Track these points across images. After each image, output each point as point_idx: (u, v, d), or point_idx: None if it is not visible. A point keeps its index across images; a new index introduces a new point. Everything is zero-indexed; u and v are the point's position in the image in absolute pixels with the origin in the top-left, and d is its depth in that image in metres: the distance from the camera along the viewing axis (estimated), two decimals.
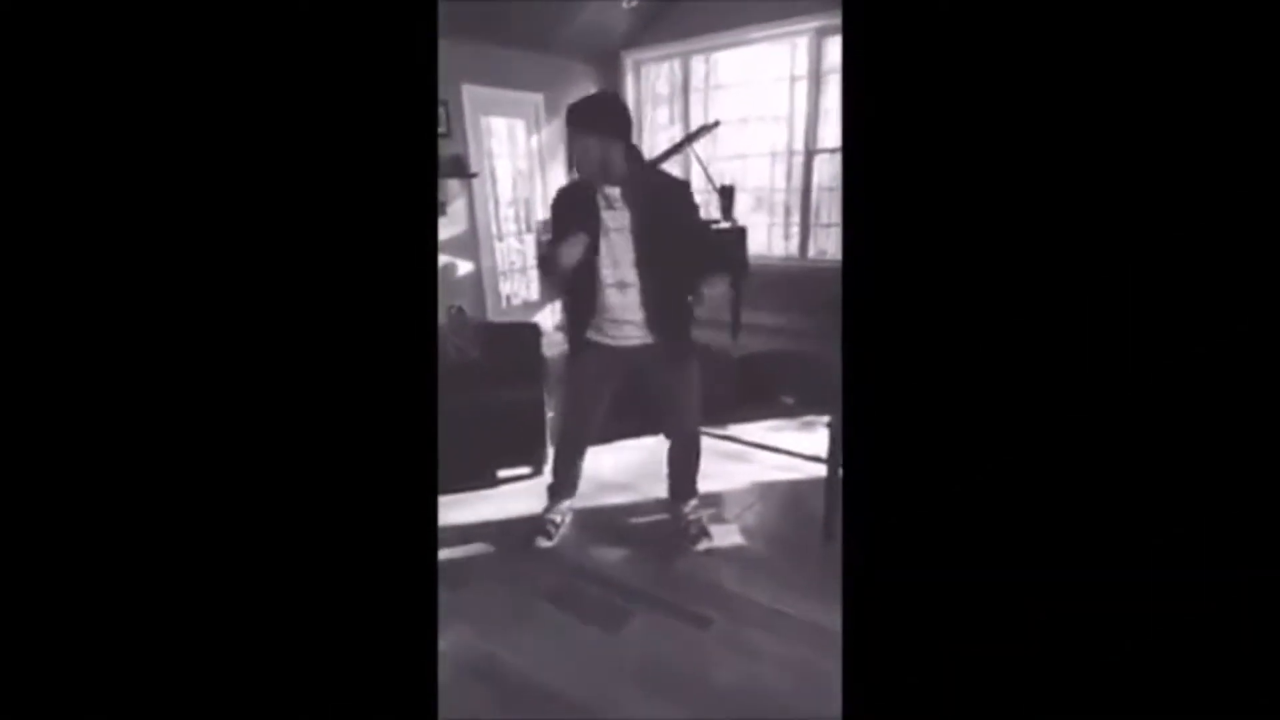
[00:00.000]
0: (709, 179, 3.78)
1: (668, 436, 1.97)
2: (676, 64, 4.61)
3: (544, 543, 1.97)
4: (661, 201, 1.68)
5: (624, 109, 1.66)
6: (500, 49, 3.87)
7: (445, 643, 1.53)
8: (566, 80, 4.41)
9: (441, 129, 3.59)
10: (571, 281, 1.73)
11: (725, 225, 3.63)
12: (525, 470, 2.41)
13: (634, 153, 1.67)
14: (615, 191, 1.65)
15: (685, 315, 1.81)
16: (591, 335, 1.80)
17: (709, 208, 3.85)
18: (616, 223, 1.66)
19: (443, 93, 3.60)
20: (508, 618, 1.65)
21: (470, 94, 3.77)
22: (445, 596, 1.71)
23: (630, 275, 1.69)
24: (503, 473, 2.41)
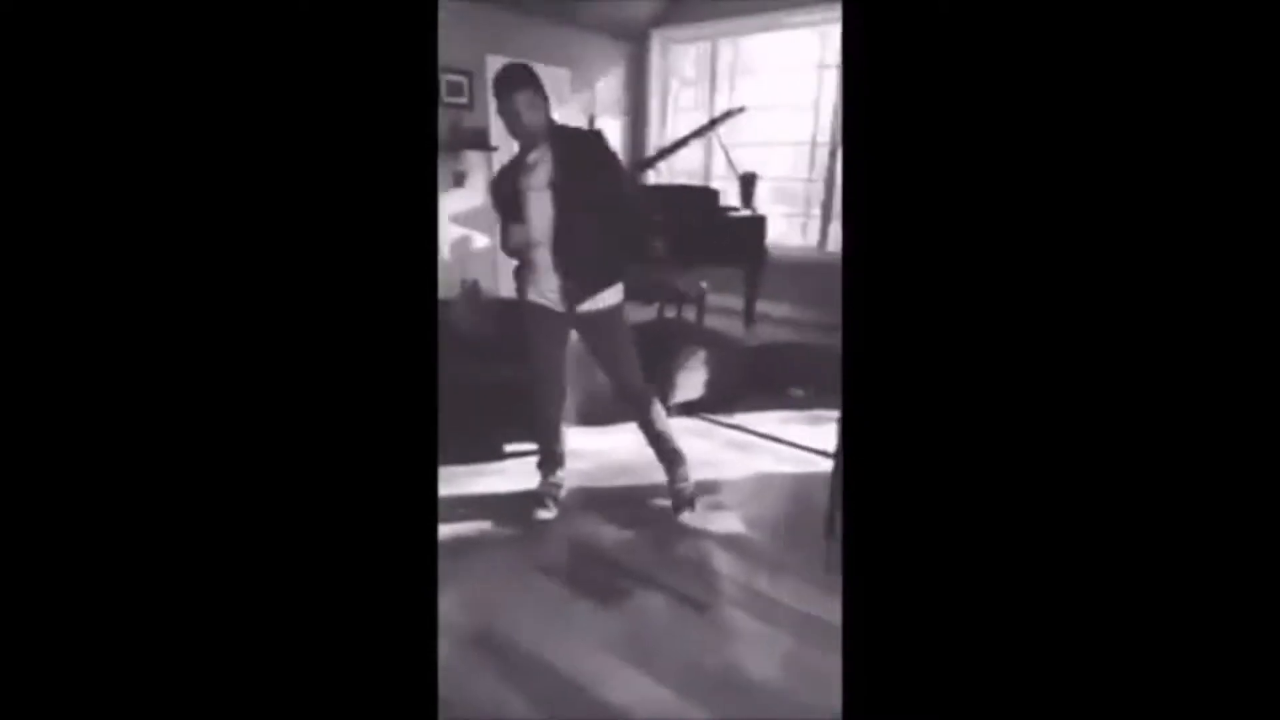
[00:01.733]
0: (730, 165, 3.74)
1: (619, 399, 1.95)
2: (705, 46, 4.55)
3: (544, 514, 1.99)
4: (575, 157, 1.68)
5: (535, 74, 1.64)
6: (527, 20, 3.83)
7: (442, 611, 1.55)
8: (592, 56, 4.36)
9: (464, 100, 3.57)
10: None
11: (744, 213, 3.60)
12: (533, 446, 2.42)
13: (548, 112, 1.67)
14: (534, 155, 1.68)
15: (607, 272, 1.80)
16: (533, 297, 1.83)
17: (729, 195, 3.81)
18: (537, 182, 1.68)
19: (467, 64, 3.57)
20: (505, 589, 1.67)
21: (495, 66, 3.73)
22: (445, 566, 1.73)
23: (548, 232, 1.71)
24: (509, 447, 2.42)
